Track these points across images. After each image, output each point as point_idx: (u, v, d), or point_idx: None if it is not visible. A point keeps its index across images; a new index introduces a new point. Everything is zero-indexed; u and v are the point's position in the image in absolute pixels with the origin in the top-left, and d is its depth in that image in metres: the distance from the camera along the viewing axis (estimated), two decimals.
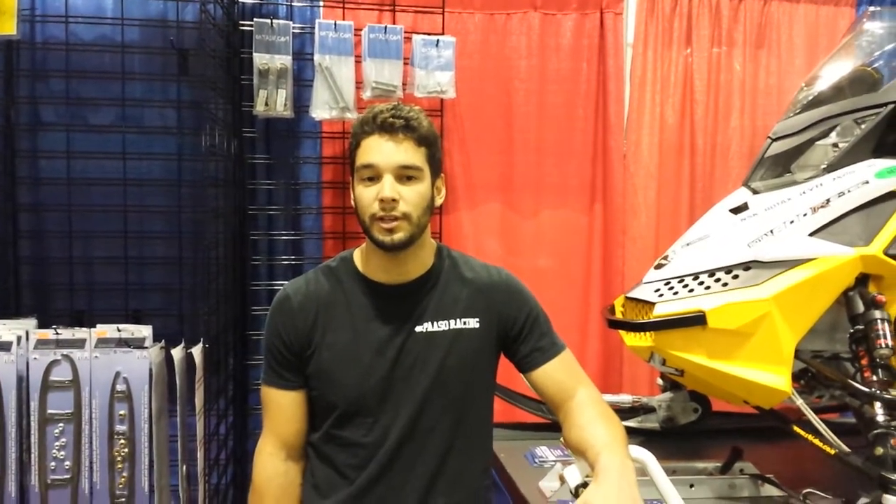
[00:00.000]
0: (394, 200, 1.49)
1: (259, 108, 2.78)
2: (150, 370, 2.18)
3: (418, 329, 1.58)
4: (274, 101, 2.78)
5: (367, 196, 1.51)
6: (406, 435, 1.57)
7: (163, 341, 2.26)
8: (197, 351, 2.28)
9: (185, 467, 2.25)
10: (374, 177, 1.50)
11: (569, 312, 3.25)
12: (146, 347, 2.18)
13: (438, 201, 1.61)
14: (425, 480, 1.58)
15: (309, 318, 1.59)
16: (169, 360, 2.23)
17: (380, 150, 1.50)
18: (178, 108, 2.87)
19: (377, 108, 1.54)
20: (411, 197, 1.51)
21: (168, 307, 2.79)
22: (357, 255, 1.66)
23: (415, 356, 1.58)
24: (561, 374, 1.64)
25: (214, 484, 2.54)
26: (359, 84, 2.86)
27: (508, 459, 2.31)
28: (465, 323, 1.61)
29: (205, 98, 2.59)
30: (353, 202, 1.57)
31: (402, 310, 1.59)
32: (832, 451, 1.92)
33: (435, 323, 1.59)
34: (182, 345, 2.25)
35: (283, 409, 1.61)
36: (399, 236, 1.51)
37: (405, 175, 1.51)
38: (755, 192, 2.25)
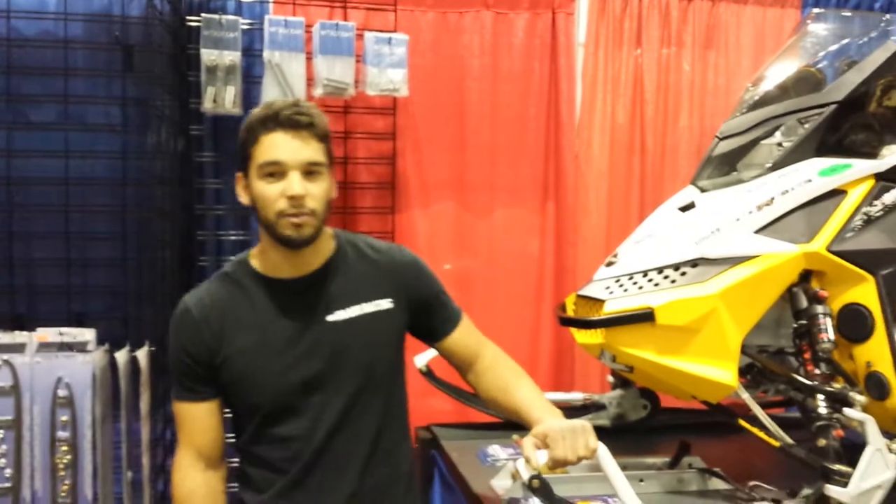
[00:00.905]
0: (302, 196, 1.49)
1: (207, 104, 2.74)
2: (94, 375, 2.12)
3: (329, 318, 1.58)
4: (222, 98, 2.73)
5: (271, 192, 1.49)
6: (339, 421, 1.58)
7: (107, 345, 2.20)
8: (142, 354, 2.23)
9: (129, 474, 2.21)
10: (278, 173, 1.49)
11: (522, 311, 3.27)
12: (89, 351, 2.13)
13: (334, 194, 1.61)
14: (361, 461, 1.59)
15: (213, 327, 1.56)
16: (113, 364, 2.18)
17: (286, 147, 1.49)
18: (123, 106, 2.80)
19: (275, 104, 1.53)
20: (317, 192, 1.51)
21: (112, 310, 2.71)
22: (254, 257, 1.63)
23: (331, 345, 1.57)
24: (466, 338, 1.74)
25: (161, 491, 2.49)
26: (310, 81, 2.82)
27: (461, 459, 2.30)
28: (377, 305, 1.62)
29: (151, 95, 2.55)
30: (245, 199, 1.55)
31: (308, 302, 1.58)
32: (777, 444, 1.95)
33: (346, 309, 1.59)
34: (127, 348, 2.21)
35: (197, 420, 1.58)
36: (307, 231, 1.51)
37: (309, 171, 1.51)
38: (702, 190, 2.27)
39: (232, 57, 2.76)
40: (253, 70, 2.92)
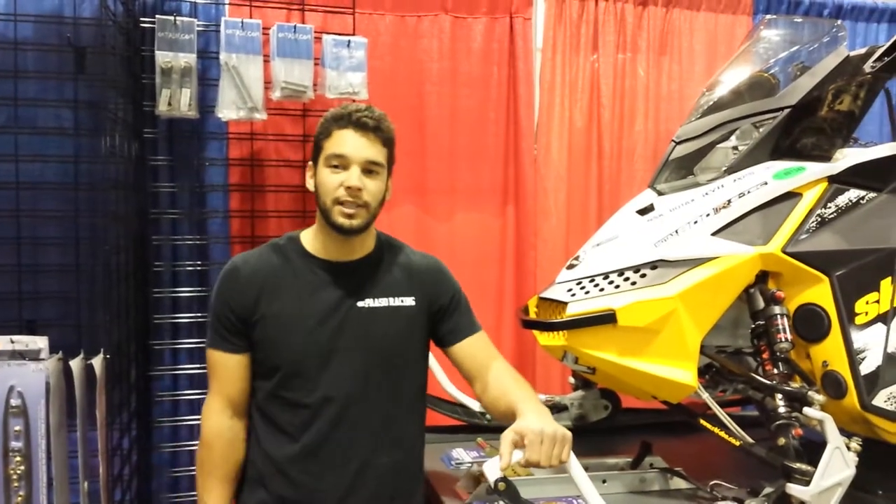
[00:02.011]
0: (359, 189, 1.67)
1: (162, 107, 2.69)
2: (47, 383, 2.05)
3: (360, 304, 1.75)
4: (177, 101, 2.68)
5: (333, 181, 1.69)
6: (351, 399, 1.72)
7: (60, 353, 2.13)
8: (97, 362, 2.17)
9: (86, 484, 2.14)
10: (342, 166, 1.68)
11: (483, 314, 3.14)
12: (42, 359, 2.06)
13: (388, 196, 1.80)
14: (369, 441, 1.74)
15: (255, 288, 1.73)
16: (67, 372, 2.12)
17: (353, 144, 1.69)
18: (75, 108, 2.72)
19: (352, 106, 1.73)
20: (373, 188, 1.71)
21: (65, 317, 2.63)
22: (304, 236, 1.81)
23: (356, 328, 1.74)
24: (478, 349, 1.87)
25: (118, 500, 2.43)
26: (268, 84, 2.79)
27: (425, 462, 2.28)
28: (402, 301, 1.80)
29: (104, 97, 2.48)
30: (311, 185, 1.76)
31: (345, 286, 1.75)
32: (737, 443, 1.97)
33: (375, 299, 1.77)
34: (81, 356, 2.14)
35: (228, 370, 1.76)
36: (357, 222, 1.70)
37: (369, 169, 1.70)
38: (660, 193, 2.30)
39: (187, 59, 2.71)
40: (209, 73, 2.88)
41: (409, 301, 1.81)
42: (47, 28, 2.71)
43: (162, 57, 2.69)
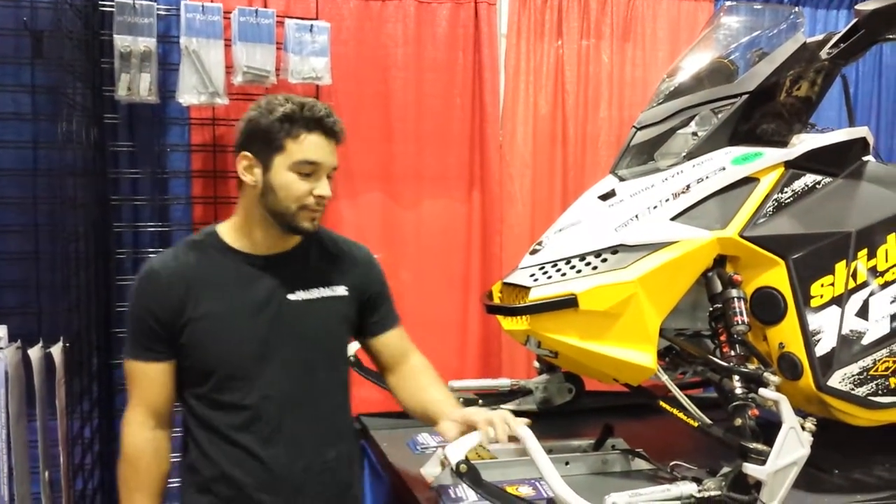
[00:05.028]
0: (328, 198, 1.65)
1: (121, 92, 2.65)
2: (6, 372, 2.02)
3: (291, 297, 1.69)
4: (137, 86, 2.65)
5: (302, 188, 1.61)
6: (292, 396, 1.67)
7: (19, 341, 2.10)
8: (56, 350, 2.15)
9: (47, 473, 2.12)
10: (312, 173, 1.62)
11: (449, 299, 3.30)
12: (1, 348, 2.03)
13: None
14: (315, 437, 1.70)
15: (180, 289, 1.63)
16: (26, 361, 2.09)
17: (324, 151, 1.63)
18: (33, 93, 2.67)
19: (315, 105, 1.63)
20: (331, 192, 1.67)
21: (24, 304, 2.60)
22: (224, 231, 1.72)
23: (291, 322, 1.68)
24: (398, 341, 1.88)
25: (80, 489, 2.41)
26: (229, 69, 2.76)
27: (390, 448, 2.30)
28: (334, 290, 1.75)
29: (61, 82, 2.43)
30: (252, 180, 1.64)
31: (275, 280, 1.69)
32: (696, 424, 2.00)
33: (308, 290, 1.71)
34: (40, 344, 2.11)
35: (152, 380, 1.66)
36: (317, 224, 1.68)
37: (329, 175, 1.66)
38: (622, 179, 2.30)
39: (147, 43, 2.68)
40: (169, 57, 2.85)
41: (342, 290, 1.76)
42: (3, 11, 2.66)
43: (121, 41, 2.65)
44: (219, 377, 1.64)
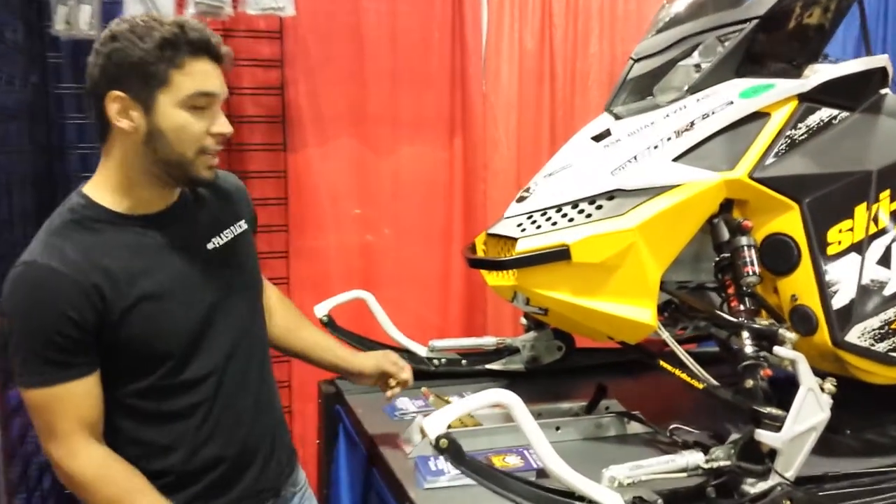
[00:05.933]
0: (229, 136, 1.45)
1: (59, 26, 2.44)
2: None
3: (209, 246, 1.54)
4: (76, 19, 2.43)
5: (198, 128, 1.39)
6: (248, 344, 1.58)
7: None
8: None
9: None
10: (206, 106, 1.40)
11: (431, 253, 3.17)
12: None
13: None
14: (253, 398, 1.59)
15: (98, 283, 1.38)
16: None
17: (216, 79, 1.41)
18: None
19: (196, 25, 1.39)
20: (231, 128, 1.47)
21: None
22: (100, 195, 1.44)
23: (219, 273, 1.54)
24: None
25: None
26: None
27: (366, 414, 2.15)
28: (240, 227, 1.61)
29: None
30: (129, 125, 1.38)
31: (182, 235, 1.50)
32: (701, 386, 1.86)
33: (220, 235, 1.56)
34: None
35: (81, 398, 1.40)
36: (215, 171, 1.48)
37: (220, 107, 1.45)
38: (617, 117, 2.14)
39: None
40: None
41: (244, 224, 1.62)
42: None
43: None
44: (175, 358, 1.46)
